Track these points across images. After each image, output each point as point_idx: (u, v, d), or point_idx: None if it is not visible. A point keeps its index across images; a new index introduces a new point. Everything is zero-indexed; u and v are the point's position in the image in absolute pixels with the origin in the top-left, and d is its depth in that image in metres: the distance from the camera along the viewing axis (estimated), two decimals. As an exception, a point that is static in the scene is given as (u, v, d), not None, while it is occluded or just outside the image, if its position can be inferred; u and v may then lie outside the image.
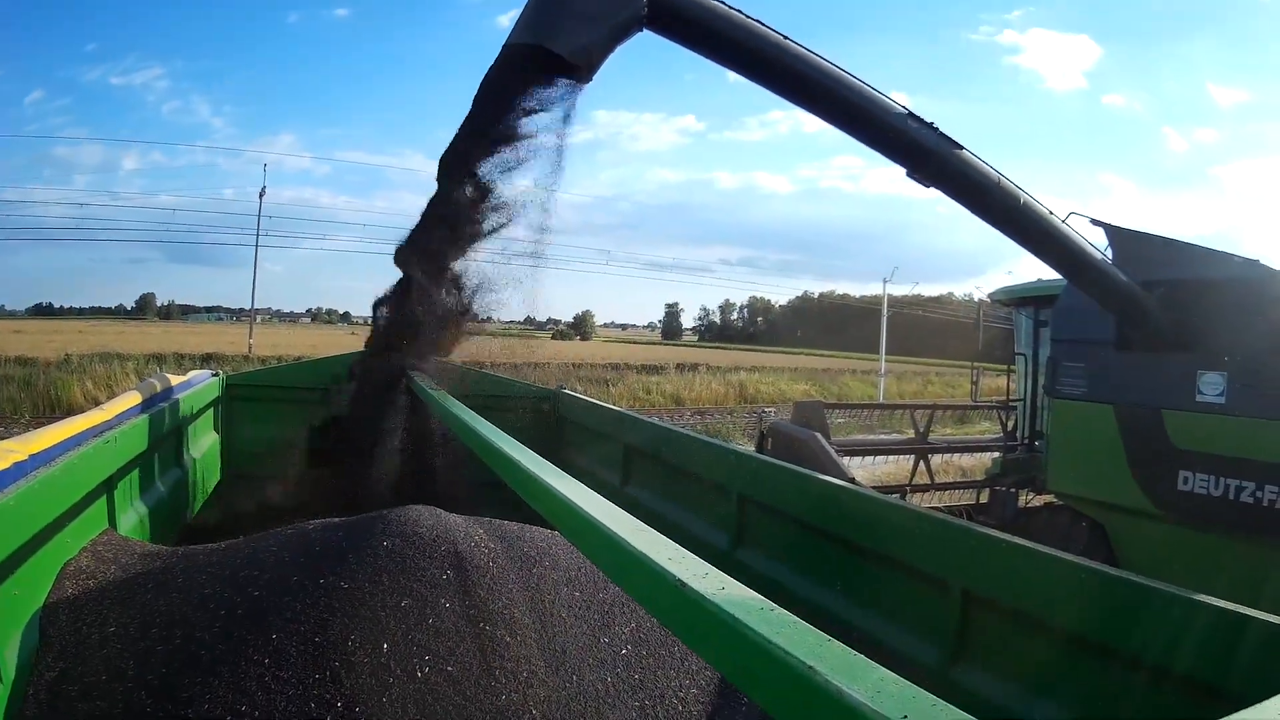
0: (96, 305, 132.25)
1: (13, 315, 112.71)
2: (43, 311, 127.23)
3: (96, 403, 5.61)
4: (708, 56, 6.20)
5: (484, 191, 6.06)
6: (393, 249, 6.27)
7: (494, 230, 6.18)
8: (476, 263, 6.33)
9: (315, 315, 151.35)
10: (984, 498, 14.72)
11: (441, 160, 6.04)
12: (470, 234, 6.17)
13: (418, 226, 6.20)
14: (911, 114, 6.68)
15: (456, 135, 5.95)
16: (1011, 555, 3.35)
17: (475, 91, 5.87)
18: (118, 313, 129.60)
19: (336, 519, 4.29)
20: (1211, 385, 9.06)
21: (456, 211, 6.05)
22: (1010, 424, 15.23)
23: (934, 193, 7.01)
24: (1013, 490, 13.15)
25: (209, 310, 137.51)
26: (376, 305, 6.65)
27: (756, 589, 2.00)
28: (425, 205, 6.16)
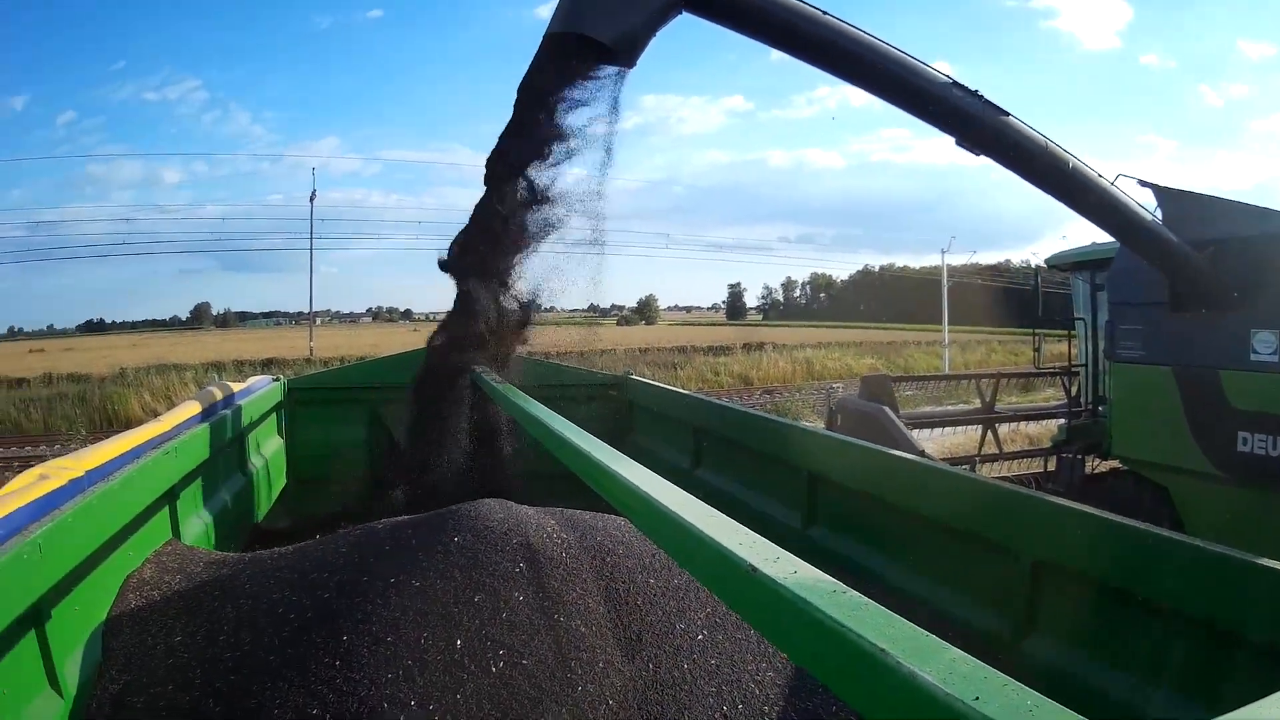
0: (150, 318, 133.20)
1: (64, 334, 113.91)
2: (94, 327, 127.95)
3: (155, 415, 5.67)
4: (748, 35, 6.17)
5: (535, 191, 6.01)
6: (445, 246, 6.23)
7: (547, 230, 6.12)
8: (536, 254, 6.26)
9: (376, 314, 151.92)
10: (1051, 465, 14.63)
11: (488, 162, 6.00)
12: (522, 237, 6.11)
13: (466, 232, 6.14)
14: (955, 83, 6.64)
15: (502, 135, 5.92)
16: (1080, 524, 3.30)
17: (518, 86, 5.85)
18: (172, 324, 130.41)
19: (405, 517, 4.28)
20: (1265, 344, 8.93)
21: (506, 215, 5.99)
22: (1074, 389, 15.12)
23: (985, 160, 6.95)
24: (1079, 457, 13.11)
25: (267, 315, 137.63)
26: (433, 337, 6.65)
27: (828, 566, 1.97)
28: (473, 209, 6.09)
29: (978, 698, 1.35)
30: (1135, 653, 3.06)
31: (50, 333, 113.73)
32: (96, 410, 36.07)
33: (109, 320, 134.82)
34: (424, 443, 6.25)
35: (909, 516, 4.31)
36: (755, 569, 1.94)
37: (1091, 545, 3.25)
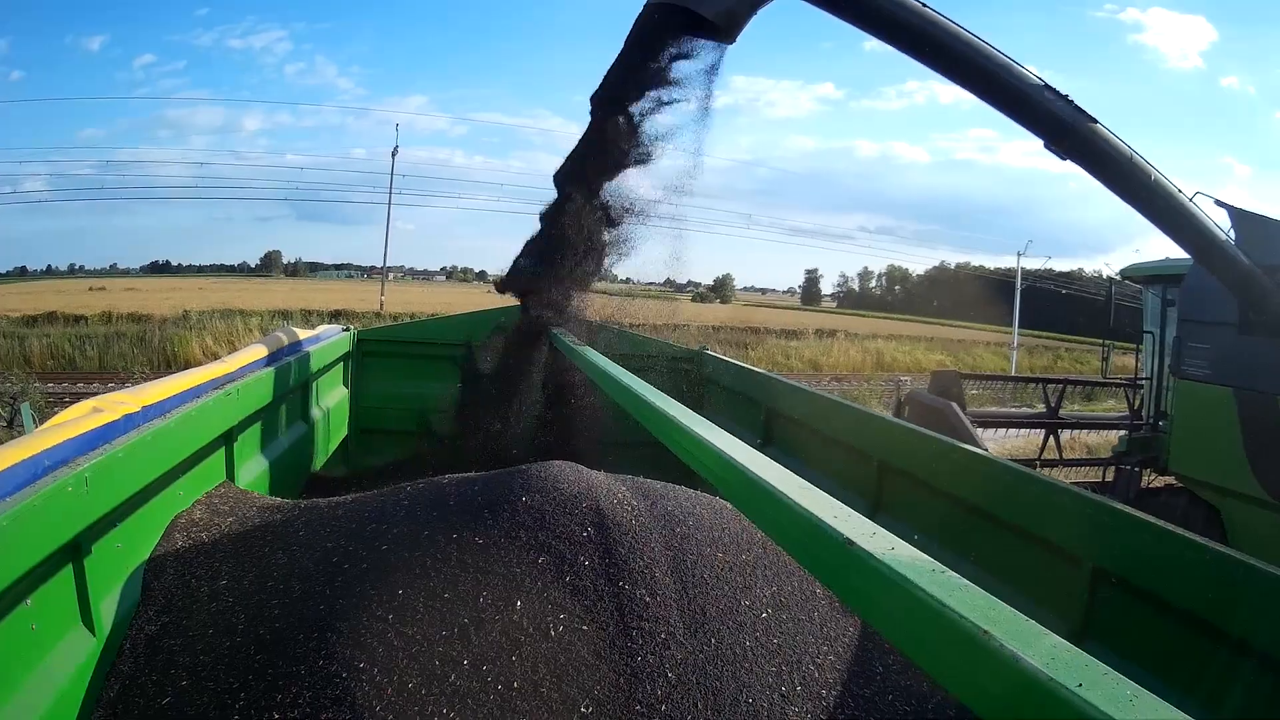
0: (218, 263, 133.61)
1: (126, 273, 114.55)
2: (160, 269, 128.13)
3: (216, 358, 5.71)
4: (848, 21, 6.16)
5: (634, 126, 6.14)
6: (528, 209, 6.40)
7: (642, 160, 6.27)
8: (627, 215, 6.42)
9: (450, 274, 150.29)
10: (1109, 476, 14.51)
11: (593, 96, 6.13)
12: (619, 162, 6.26)
13: (572, 153, 6.32)
14: (1048, 86, 6.62)
15: (608, 72, 6.04)
16: (1143, 534, 3.30)
17: (623, 42, 5.92)
18: (240, 270, 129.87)
19: (473, 474, 4.23)
20: None
21: (607, 141, 6.13)
22: (1137, 402, 15.08)
23: (1066, 167, 6.95)
24: (1136, 470, 13.00)
25: (338, 268, 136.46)
26: (540, 218, 6.65)
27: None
28: (580, 136, 6.29)
29: (1080, 684, 1.34)
30: (1189, 671, 3.02)
31: (112, 271, 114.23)
32: (155, 351, 36.50)
33: (175, 263, 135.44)
34: (497, 401, 6.36)
35: (975, 511, 4.31)
36: (852, 542, 1.92)
37: (1153, 557, 3.25)
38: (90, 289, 71.12)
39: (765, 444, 6.68)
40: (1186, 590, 3.08)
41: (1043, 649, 1.47)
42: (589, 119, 6.22)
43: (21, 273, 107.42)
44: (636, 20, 5.83)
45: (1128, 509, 3.48)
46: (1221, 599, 2.94)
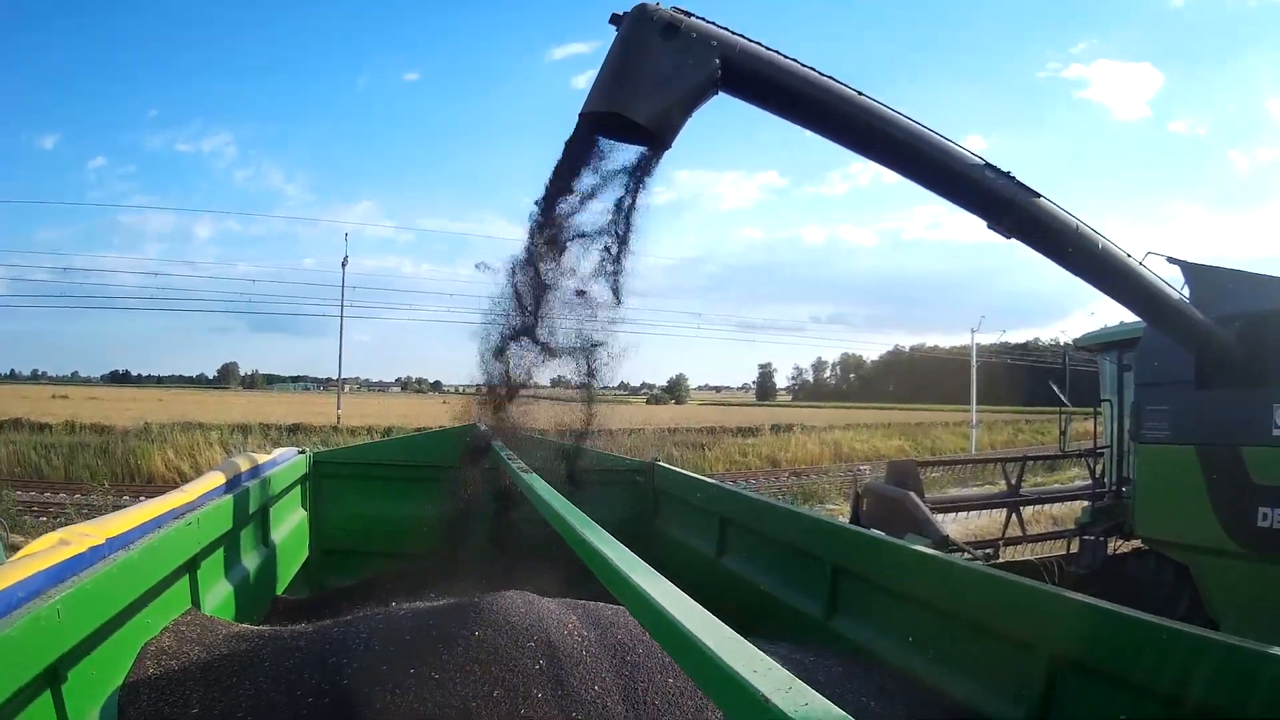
0: (176, 374, 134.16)
1: (87, 382, 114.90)
2: (119, 378, 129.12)
3: (179, 472, 5.69)
4: (783, 116, 6.17)
5: (557, 247, 6.03)
6: (478, 319, 6.33)
7: (566, 283, 6.12)
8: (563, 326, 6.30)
9: (405, 384, 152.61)
10: (1074, 546, 14.57)
11: (531, 215, 6.03)
12: (545, 283, 6.12)
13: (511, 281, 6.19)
14: (988, 164, 6.56)
15: (545, 190, 5.94)
16: (1095, 619, 3.38)
17: (557, 158, 5.89)
18: (199, 381, 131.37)
19: (426, 604, 4.29)
20: None
21: (532, 263, 6.04)
22: (1099, 470, 15.14)
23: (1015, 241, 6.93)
24: (1101, 539, 13.07)
25: (295, 379, 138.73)
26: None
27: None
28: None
29: None
30: None
31: (75, 379, 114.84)
32: (119, 463, 36.48)
33: (135, 373, 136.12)
34: (446, 517, 6.30)
35: (928, 608, 4.37)
36: (767, 699, 1.95)
37: (1108, 638, 3.33)
38: (54, 396, 71.91)
39: (721, 552, 6.73)
40: (1141, 668, 3.14)
41: None
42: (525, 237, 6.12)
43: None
44: (570, 135, 5.84)
45: (1076, 596, 3.60)
46: (1177, 674, 3.00)
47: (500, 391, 6.41)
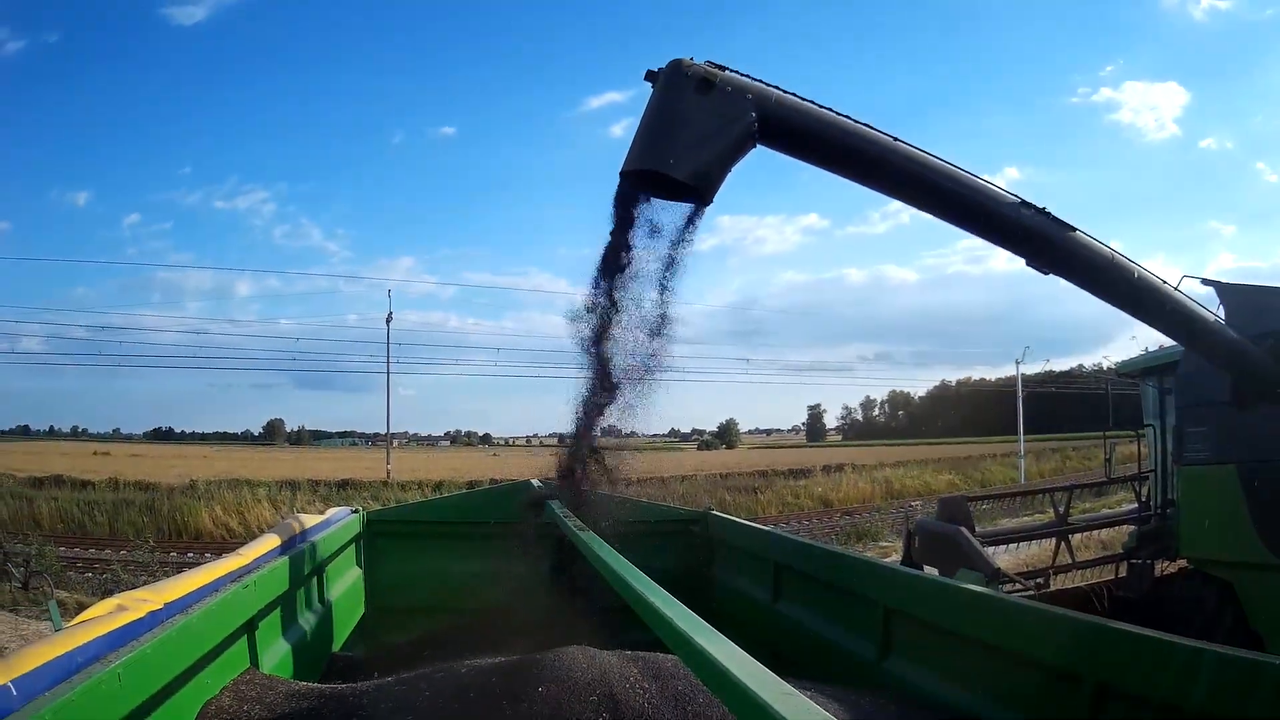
0: (219, 430, 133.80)
1: (129, 439, 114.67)
2: (161, 436, 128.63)
3: (228, 528, 5.69)
4: (820, 166, 6.26)
5: (612, 316, 6.13)
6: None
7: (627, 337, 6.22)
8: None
9: (454, 438, 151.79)
10: (1123, 571, 14.48)
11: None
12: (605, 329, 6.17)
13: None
14: (1024, 202, 6.60)
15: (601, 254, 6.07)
16: (1144, 646, 3.39)
17: (608, 221, 6.00)
18: (244, 438, 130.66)
19: (488, 661, 4.32)
20: None
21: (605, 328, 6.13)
22: (1144, 494, 15.11)
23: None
24: (1148, 562, 13.09)
25: (342, 435, 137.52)
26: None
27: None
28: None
29: None
30: None
31: (115, 436, 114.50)
32: (165, 520, 36.48)
33: (177, 429, 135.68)
34: (506, 575, 6.44)
35: (978, 646, 4.37)
36: None
37: (1155, 668, 3.33)
38: (95, 453, 71.80)
39: (776, 598, 6.73)
40: (1184, 694, 3.16)
41: None
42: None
43: (24, 431, 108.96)
44: (616, 192, 5.92)
45: (1120, 625, 3.61)
46: (1219, 697, 3.02)
47: (584, 454, 6.48)
